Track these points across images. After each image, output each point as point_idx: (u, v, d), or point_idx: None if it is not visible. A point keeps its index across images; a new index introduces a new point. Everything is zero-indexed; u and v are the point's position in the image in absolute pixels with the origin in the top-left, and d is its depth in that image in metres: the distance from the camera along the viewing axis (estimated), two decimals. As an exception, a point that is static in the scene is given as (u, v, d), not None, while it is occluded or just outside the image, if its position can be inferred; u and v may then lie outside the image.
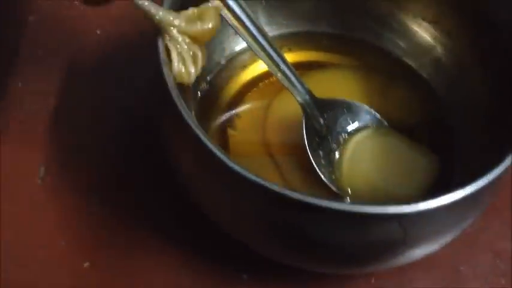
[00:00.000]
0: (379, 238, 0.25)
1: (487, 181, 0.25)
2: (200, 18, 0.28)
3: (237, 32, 0.30)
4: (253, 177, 0.24)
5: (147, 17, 0.27)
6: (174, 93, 0.26)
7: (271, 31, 0.39)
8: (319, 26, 0.39)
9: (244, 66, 0.38)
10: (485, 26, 0.34)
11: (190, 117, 0.25)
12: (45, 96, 0.38)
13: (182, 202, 0.33)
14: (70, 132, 0.37)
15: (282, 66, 0.32)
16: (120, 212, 0.34)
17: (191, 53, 0.28)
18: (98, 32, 0.40)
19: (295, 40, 0.39)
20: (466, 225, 0.29)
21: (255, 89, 0.38)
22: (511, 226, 0.35)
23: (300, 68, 0.36)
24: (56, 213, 0.34)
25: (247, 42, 0.31)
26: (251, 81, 0.38)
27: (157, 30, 0.28)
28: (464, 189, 0.25)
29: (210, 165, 0.26)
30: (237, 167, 0.24)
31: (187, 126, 0.25)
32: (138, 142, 0.37)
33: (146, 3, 0.27)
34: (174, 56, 0.27)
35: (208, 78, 0.37)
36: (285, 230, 0.27)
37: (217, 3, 0.29)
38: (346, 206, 0.23)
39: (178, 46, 0.27)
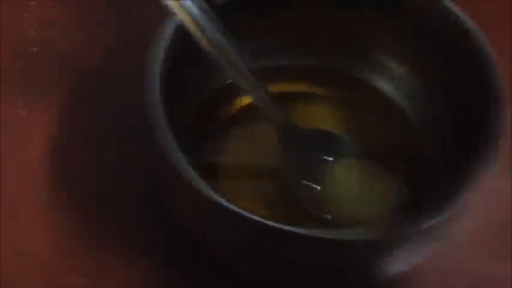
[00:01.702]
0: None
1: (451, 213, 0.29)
2: None
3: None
4: (236, 209, 0.28)
5: None
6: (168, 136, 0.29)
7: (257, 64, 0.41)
8: (301, 60, 0.42)
9: (237, 94, 0.40)
10: (442, 63, 0.37)
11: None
12: (47, 124, 0.40)
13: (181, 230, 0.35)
14: (71, 158, 0.39)
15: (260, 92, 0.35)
16: (119, 235, 0.36)
17: None
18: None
19: (279, 72, 0.41)
20: (435, 247, 0.32)
21: (243, 116, 0.40)
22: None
23: (284, 99, 0.38)
24: (56, 234, 0.36)
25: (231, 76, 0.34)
26: (241, 109, 0.40)
27: None
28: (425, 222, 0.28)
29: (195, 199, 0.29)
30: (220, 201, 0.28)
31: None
32: (139, 171, 0.39)
33: None
34: None
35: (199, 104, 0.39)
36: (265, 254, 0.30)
37: None
38: (318, 232, 0.28)
39: None
